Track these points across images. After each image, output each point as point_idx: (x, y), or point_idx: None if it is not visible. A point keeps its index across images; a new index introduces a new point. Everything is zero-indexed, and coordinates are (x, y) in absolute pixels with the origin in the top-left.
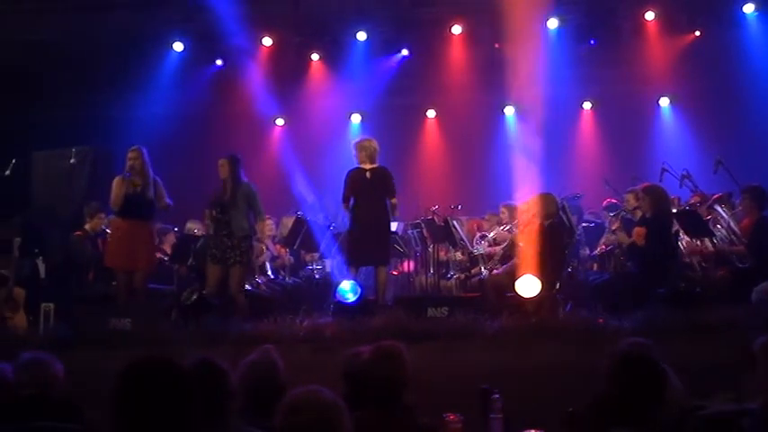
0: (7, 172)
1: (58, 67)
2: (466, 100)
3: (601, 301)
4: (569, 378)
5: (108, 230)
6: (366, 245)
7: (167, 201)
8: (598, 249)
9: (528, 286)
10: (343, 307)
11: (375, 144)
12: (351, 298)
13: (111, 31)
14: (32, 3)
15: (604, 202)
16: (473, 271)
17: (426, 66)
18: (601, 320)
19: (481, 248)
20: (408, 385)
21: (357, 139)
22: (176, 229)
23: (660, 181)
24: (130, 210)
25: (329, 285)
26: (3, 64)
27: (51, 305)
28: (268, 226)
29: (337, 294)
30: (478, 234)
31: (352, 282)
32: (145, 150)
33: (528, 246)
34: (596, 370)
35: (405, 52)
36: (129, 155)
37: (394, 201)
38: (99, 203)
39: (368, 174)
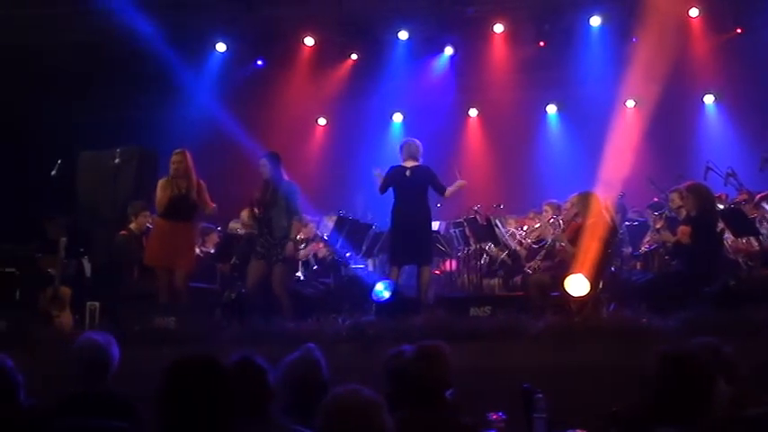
0: (53, 172)
1: (103, 67)
2: (508, 98)
3: (645, 300)
4: (613, 378)
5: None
6: (407, 244)
7: (212, 206)
8: (642, 248)
9: (577, 285)
10: (385, 306)
11: (416, 143)
12: (385, 295)
13: (154, 32)
14: (77, 4)
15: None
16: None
17: (468, 64)
18: (645, 320)
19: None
20: (451, 385)
21: (403, 140)
22: (219, 229)
23: (705, 179)
24: (174, 211)
25: (370, 285)
26: (50, 65)
27: (96, 304)
28: (309, 227)
29: (373, 295)
30: (517, 232)
31: (385, 281)
32: (189, 153)
33: (570, 245)
34: (641, 370)
35: (447, 51)
36: (174, 158)
37: (447, 193)
38: (143, 203)
39: (408, 171)
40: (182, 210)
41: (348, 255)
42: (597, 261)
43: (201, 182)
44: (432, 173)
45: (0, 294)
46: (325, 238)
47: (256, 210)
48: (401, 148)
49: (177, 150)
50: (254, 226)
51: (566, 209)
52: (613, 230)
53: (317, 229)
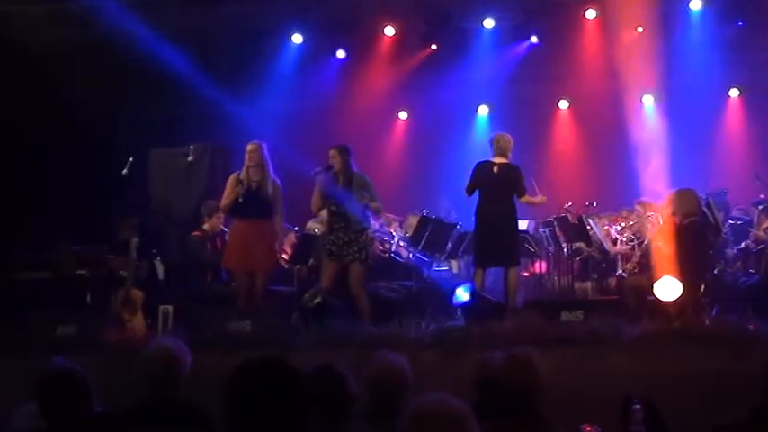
0: (125, 171)
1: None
2: (601, 89)
3: (751, 304)
4: (716, 388)
5: (225, 230)
6: (493, 245)
7: (282, 210)
8: (747, 248)
9: (668, 289)
10: (470, 311)
11: (507, 138)
12: (465, 297)
13: (227, 25)
14: None
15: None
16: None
17: (558, 53)
18: (752, 326)
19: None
20: (542, 394)
21: (493, 134)
22: (296, 229)
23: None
24: (247, 209)
25: (454, 288)
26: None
27: (170, 307)
28: (393, 227)
29: (453, 300)
30: (612, 231)
31: (465, 284)
32: (265, 145)
33: (666, 246)
34: (746, 380)
35: (534, 39)
36: (248, 147)
37: (524, 200)
38: (217, 202)
39: (495, 168)
40: (254, 206)
41: (431, 256)
42: (697, 263)
43: (278, 182)
44: (518, 174)
45: (70, 297)
46: (407, 238)
47: (331, 204)
48: (491, 142)
49: (252, 141)
50: (328, 223)
51: (662, 207)
52: (715, 230)
53: (400, 229)
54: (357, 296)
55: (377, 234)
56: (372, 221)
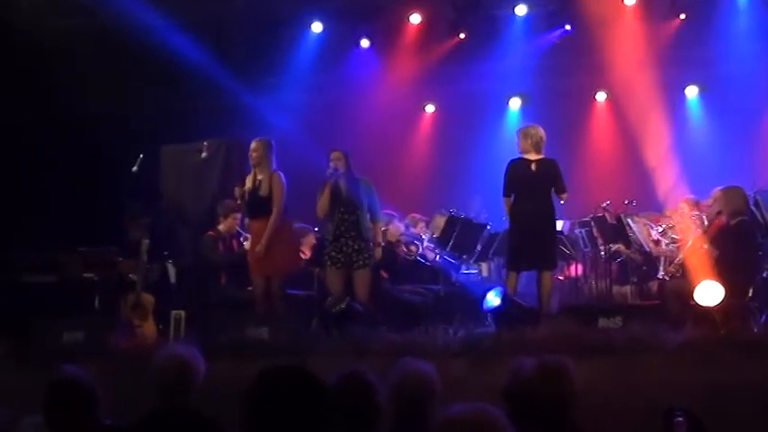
0: (134, 168)
1: (187, 53)
2: (640, 80)
3: None
4: (764, 400)
5: (242, 232)
6: (529, 246)
7: (281, 206)
8: None
9: (708, 293)
10: (501, 316)
11: (542, 132)
12: (497, 302)
13: (243, 12)
14: None
15: None
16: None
17: (594, 42)
18: None
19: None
20: (576, 405)
21: (522, 126)
22: (316, 230)
23: None
24: (251, 209)
25: (483, 292)
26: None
27: (182, 312)
28: (397, 228)
29: (484, 305)
30: (653, 232)
31: (496, 288)
32: (270, 142)
33: (712, 247)
34: None
35: (568, 27)
36: (252, 145)
37: (564, 197)
38: (233, 201)
39: (533, 165)
40: (255, 207)
41: (460, 258)
42: (744, 265)
43: (279, 175)
44: (558, 169)
45: (77, 302)
46: (434, 239)
47: (341, 210)
48: (522, 134)
49: (256, 138)
50: (330, 230)
51: (707, 205)
52: (764, 230)
53: (426, 229)
54: (364, 302)
55: (402, 236)
56: (398, 223)
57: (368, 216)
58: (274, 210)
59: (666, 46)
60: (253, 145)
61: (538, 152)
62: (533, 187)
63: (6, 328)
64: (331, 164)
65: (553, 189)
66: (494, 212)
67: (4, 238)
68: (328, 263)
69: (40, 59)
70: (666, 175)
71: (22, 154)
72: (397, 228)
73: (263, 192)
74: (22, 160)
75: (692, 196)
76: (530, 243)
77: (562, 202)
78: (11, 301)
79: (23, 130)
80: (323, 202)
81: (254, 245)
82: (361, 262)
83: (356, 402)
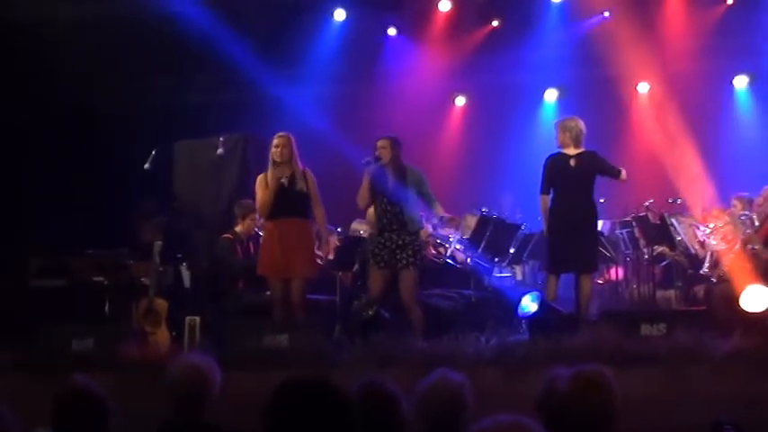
0: (146, 165)
1: (202, 43)
2: (685, 70)
3: None
4: None
5: (261, 233)
6: (568, 248)
7: (321, 208)
8: None
9: (756, 298)
10: (537, 323)
11: (581, 124)
12: (533, 308)
13: (260, 0)
14: None
15: None
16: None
17: (636, 29)
18: None
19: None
20: (616, 418)
21: (560, 119)
22: (339, 230)
23: None
24: (279, 208)
25: (518, 297)
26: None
27: (197, 319)
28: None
29: (519, 311)
30: (699, 232)
31: (533, 293)
32: (293, 138)
33: (764, 248)
34: None
35: (607, 14)
36: (275, 141)
37: (622, 175)
38: (252, 202)
39: (572, 161)
40: (287, 204)
41: (492, 261)
42: None
43: (310, 172)
44: (599, 157)
45: (86, 308)
46: (465, 240)
47: (383, 203)
48: (560, 128)
49: (280, 134)
50: (376, 224)
51: (759, 204)
52: None
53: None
54: (409, 306)
55: (432, 236)
56: (425, 222)
57: (415, 207)
58: (318, 208)
59: (713, 33)
60: (277, 140)
61: (577, 146)
62: (573, 184)
63: (12, 334)
64: (376, 153)
65: (606, 176)
66: (527, 212)
67: (10, 241)
68: (371, 261)
69: (48, 48)
70: (713, 173)
71: (26, 153)
72: (424, 228)
73: (301, 188)
74: (26, 159)
75: (746, 194)
76: (569, 244)
77: (623, 179)
78: (17, 306)
79: (26, 127)
80: (362, 193)
81: (273, 247)
82: (404, 261)
83: (376, 415)
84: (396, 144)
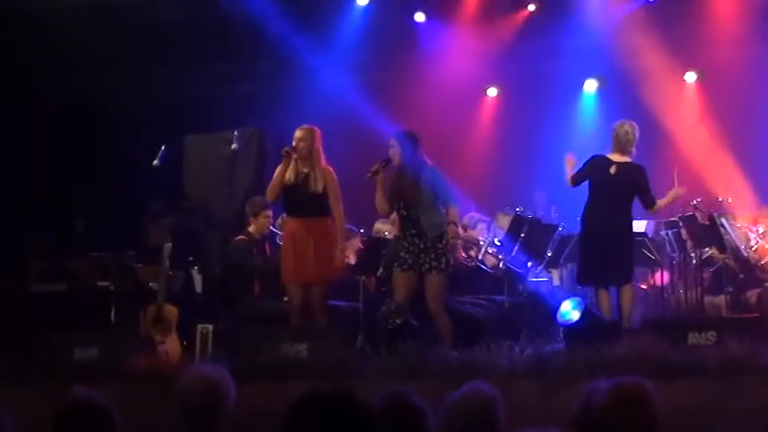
0: (155, 162)
1: (215, 32)
2: (736, 58)
3: None
4: None
5: (276, 231)
6: (601, 260)
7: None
8: None
9: None
10: (575, 331)
11: (631, 131)
12: (574, 316)
13: None
14: None
15: None
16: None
17: (682, 14)
18: None
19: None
20: None
21: (618, 121)
22: (362, 231)
23: None
24: (294, 205)
25: (555, 304)
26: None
27: (209, 326)
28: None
29: (558, 317)
30: (751, 234)
31: (574, 299)
32: (318, 132)
33: None
34: None
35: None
36: (296, 134)
37: (654, 209)
38: (264, 199)
39: (613, 168)
40: (303, 202)
41: (528, 265)
42: None
43: (331, 171)
44: (644, 176)
45: (90, 314)
46: (497, 243)
47: (401, 208)
48: (613, 131)
49: (303, 126)
50: (398, 228)
51: None
52: None
53: (487, 232)
54: (436, 313)
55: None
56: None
57: (436, 211)
58: (337, 210)
59: (766, 18)
60: (299, 134)
61: (622, 153)
62: (609, 192)
63: (12, 342)
64: (390, 151)
65: (639, 199)
66: (564, 211)
67: (10, 243)
68: (395, 264)
69: (51, 38)
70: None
71: (26, 152)
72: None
73: (315, 188)
74: (26, 158)
75: None
76: (601, 256)
77: (653, 212)
78: (17, 312)
79: (26, 124)
80: (378, 200)
81: (293, 247)
82: (428, 264)
83: (400, 429)
84: (407, 139)
